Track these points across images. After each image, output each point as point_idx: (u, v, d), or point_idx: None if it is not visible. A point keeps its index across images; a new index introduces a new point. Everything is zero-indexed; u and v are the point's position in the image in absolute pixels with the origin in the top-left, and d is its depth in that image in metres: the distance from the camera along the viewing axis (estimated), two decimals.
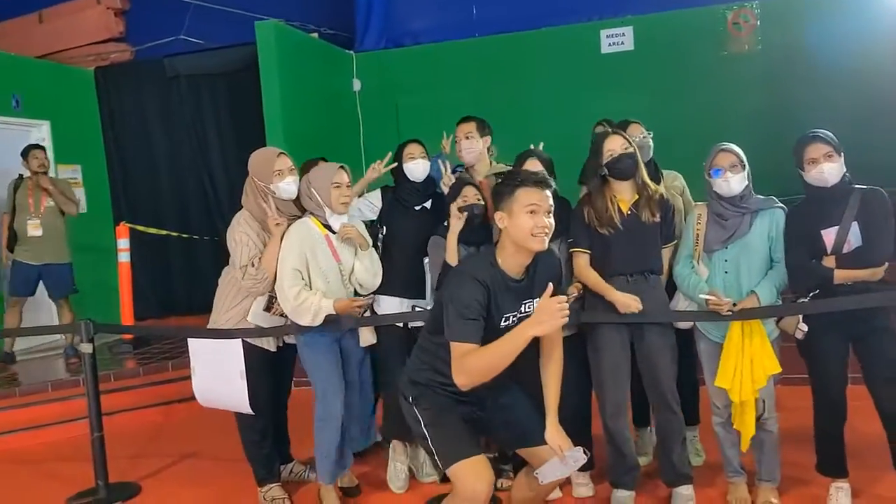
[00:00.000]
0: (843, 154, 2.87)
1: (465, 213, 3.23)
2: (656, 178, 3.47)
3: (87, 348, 3.68)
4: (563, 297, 2.32)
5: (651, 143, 3.54)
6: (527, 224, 2.41)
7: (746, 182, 2.99)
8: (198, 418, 4.38)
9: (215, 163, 7.66)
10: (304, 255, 3.16)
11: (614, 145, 3.09)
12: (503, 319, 2.48)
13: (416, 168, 3.51)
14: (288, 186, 3.23)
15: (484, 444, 3.09)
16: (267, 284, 3.20)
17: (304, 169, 3.79)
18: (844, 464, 3.03)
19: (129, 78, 7.69)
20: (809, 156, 2.88)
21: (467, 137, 3.61)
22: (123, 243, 6.14)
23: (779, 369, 2.95)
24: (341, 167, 3.27)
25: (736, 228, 3.00)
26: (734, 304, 2.93)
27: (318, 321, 3.12)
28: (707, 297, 2.93)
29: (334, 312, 3.14)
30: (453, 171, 3.67)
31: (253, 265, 3.17)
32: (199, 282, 7.39)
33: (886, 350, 2.85)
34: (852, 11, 6.17)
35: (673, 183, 3.59)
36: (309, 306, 3.09)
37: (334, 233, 3.24)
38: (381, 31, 7.53)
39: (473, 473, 2.42)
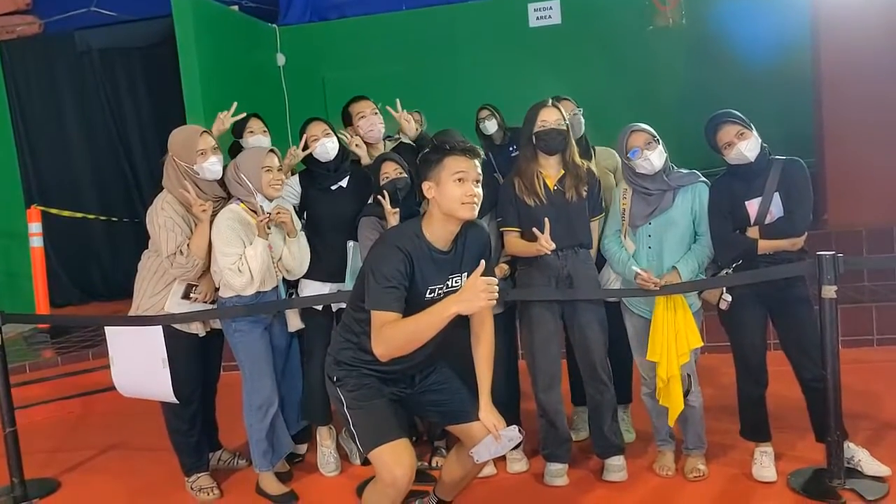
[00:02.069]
0: (753, 127, 2.92)
1: (388, 191, 3.13)
2: (588, 154, 3.47)
3: None
4: (494, 279, 2.24)
5: (582, 120, 3.53)
6: (455, 192, 2.35)
7: (665, 155, 3.01)
8: (121, 408, 4.20)
9: (133, 141, 7.35)
10: (242, 244, 3.04)
11: (548, 116, 3.05)
12: (428, 291, 2.43)
13: (322, 149, 3.35)
14: (212, 167, 3.09)
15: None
16: (197, 271, 3.08)
17: (234, 130, 3.64)
18: (767, 428, 3.11)
19: (37, 53, 7.27)
20: (723, 140, 2.93)
21: (375, 113, 3.56)
22: (35, 227, 5.84)
23: (701, 343, 3.01)
24: (271, 150, 3.16)
25: (659, 203, 3.02)
26: (660, 278, 2.96)
27: (268, 253, 3.06)
28: (639, 270, 2.95)
29: (266, 241, 3.06)
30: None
31: (181, 252, 3.03)
32: (120, 266, 7.14)
33: (804, 320, 2.93)
34: None
35: (606, 161, 3.58)
36: (256, 256, 3.00)
37: None
38: (306, 3, 7.34)
39: (393, 459, 2.36)
